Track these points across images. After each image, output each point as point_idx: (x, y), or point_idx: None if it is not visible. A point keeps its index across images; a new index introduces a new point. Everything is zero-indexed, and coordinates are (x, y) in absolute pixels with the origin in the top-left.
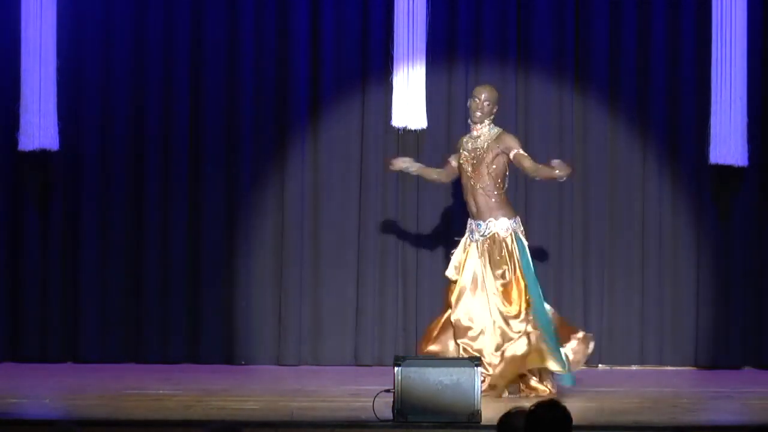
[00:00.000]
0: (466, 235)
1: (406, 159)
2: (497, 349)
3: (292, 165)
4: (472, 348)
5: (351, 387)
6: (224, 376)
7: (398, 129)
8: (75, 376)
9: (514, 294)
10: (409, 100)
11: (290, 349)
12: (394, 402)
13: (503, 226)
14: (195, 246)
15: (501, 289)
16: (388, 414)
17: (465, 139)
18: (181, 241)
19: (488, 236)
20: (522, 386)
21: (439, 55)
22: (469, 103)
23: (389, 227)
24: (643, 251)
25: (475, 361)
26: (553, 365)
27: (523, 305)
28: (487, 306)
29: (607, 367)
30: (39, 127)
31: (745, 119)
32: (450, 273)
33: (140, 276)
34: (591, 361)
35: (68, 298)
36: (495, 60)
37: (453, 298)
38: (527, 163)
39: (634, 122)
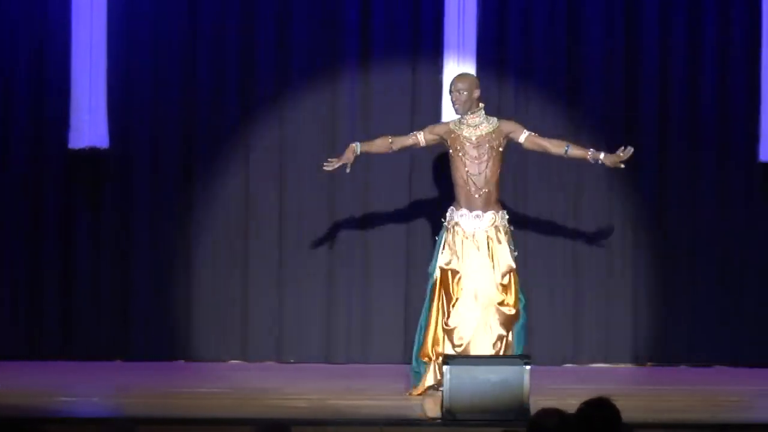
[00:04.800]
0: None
1: (346, 157)
2: None
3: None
4: None
5: (400, 385)
6: (273, 373)
7: None
8: (124, 375)
9: (512, 292)
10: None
11: (340, 348)
12: (443, 400)
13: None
14: (246, 243)
15: (501, 286)
16: (436, 413)
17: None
18: (232, 238)
19: (489, 228)
20: None
21: (489, 54)
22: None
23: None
24: (695, 249)
25: (525, 359)
26: None
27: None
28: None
29: (655, 366)
30: (89, 125)
31: None
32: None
33: (192, 273)
34: (640, 359)
35: (119, 295)
36: (544, 60)
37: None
38: (548, 142)
39: (683, 120)
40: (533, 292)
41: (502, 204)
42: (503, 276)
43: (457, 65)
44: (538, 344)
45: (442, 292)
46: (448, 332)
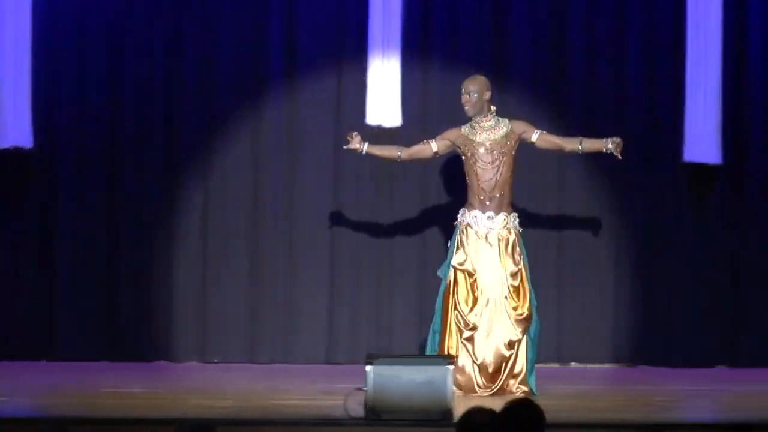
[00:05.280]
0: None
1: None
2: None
3: (269, 163)
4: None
5: (323, 385)
6: (198, 373)
7: (373, 127)
8: (51, 375)
9: (522, 295)
10: (383, 97)
11: (263, 347)
12: (366, 400)
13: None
14: (170, 243)
15: (512, 288)
16: (360, 412)
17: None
18: (156, 237)
19: (500, 230)
20: None
21: (414, 52)
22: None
23: (364, 225)
24: (617, 249)
25: (448, 359)
26: None
27: (527, 308)
28: (493, 303)
29: (580, 365)
30: (13, 125)
31: (720, 116)
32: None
33: (116, 273)
34: (564, 359)
35: (44, 295)
36: (471, 58)
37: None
38: (561, 139)
39: (610, 120)
40: None
41: (514, 206)
42: (514, 278)
43: (382, 64)
44: None
45: (456, 294)
46: (462, 332)
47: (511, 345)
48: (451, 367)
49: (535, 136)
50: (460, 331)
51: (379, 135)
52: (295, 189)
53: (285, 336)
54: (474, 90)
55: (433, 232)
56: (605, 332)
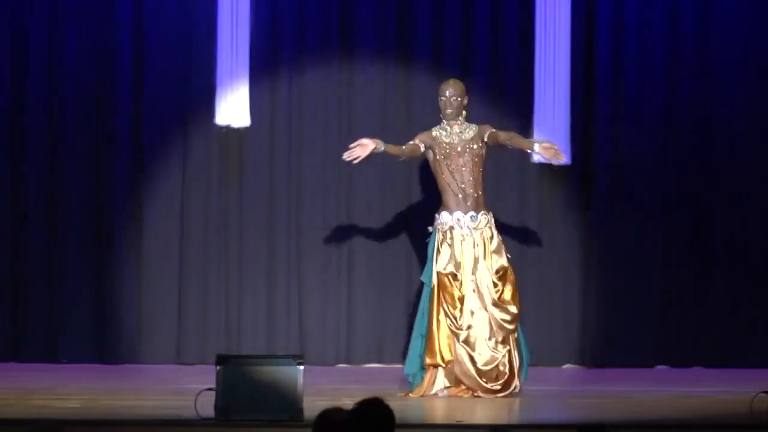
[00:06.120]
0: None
1: (368, 142)
2: None
3: (116, 164)
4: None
5: (173, 385)
6: (46, 374)
7: (222, 127)
8: None
9: (511, 293)
10: (232, 98)
11: (113, 348)
12: (216, 400)
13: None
14: (14, 245)
15: (501, 287)
16: (210, 412)
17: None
18: (2, 238)
19: (481, 229)
20: None
21: (263, 54)
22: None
23: (212, 223)
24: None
25: (298, 359)
26: None
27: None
28: (482, 302)
29: None
30: None
31: (568, 118)
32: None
33: None
34: None
35: None
36: (318, 57)
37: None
38: (502, 133)
39: None
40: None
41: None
42: (500, 276)
43: (231, 66)
44: (312, 344)
45: (443, 297)
46: (458, 335)
47: (504, 343)
48: (301, 367)
49: (487, 134)
50: (456, 335)
51: (229, 135)
52: (143, 189)
53: (134, 336)
54: (456, 95)
55: (281, 230)
56: None
